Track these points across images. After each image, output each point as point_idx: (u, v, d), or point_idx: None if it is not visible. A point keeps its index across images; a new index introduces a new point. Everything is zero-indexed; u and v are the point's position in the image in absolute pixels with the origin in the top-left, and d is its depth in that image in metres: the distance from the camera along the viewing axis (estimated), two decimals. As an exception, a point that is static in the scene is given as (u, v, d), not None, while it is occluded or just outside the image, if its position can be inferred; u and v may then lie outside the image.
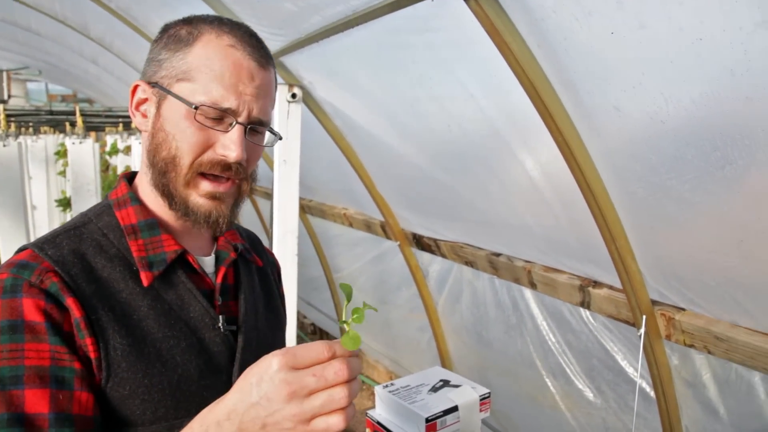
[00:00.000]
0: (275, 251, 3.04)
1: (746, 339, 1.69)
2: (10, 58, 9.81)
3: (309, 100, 2.99)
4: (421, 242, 3.20)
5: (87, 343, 0.82)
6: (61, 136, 5.19)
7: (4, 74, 10.92)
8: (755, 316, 1.64)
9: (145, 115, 0.93)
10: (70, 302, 0.82)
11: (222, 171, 0.90)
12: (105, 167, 5.03)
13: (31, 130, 5.12)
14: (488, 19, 1.48)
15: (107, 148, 4.61)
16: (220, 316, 0.96)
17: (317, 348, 0.74)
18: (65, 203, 3.63)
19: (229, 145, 0.89)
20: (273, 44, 2.78)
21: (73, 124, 3.76)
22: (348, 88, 2.63)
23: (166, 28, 0.93)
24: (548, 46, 1.43)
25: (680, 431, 2.08)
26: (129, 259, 0.91)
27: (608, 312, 2.14)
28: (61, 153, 3.65)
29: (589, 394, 2.45)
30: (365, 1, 1.82)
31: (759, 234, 1.33)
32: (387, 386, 2.32)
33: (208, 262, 1.00)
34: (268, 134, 0.97)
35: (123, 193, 0.97)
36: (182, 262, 0.95)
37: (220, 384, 0.93)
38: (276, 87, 0.99)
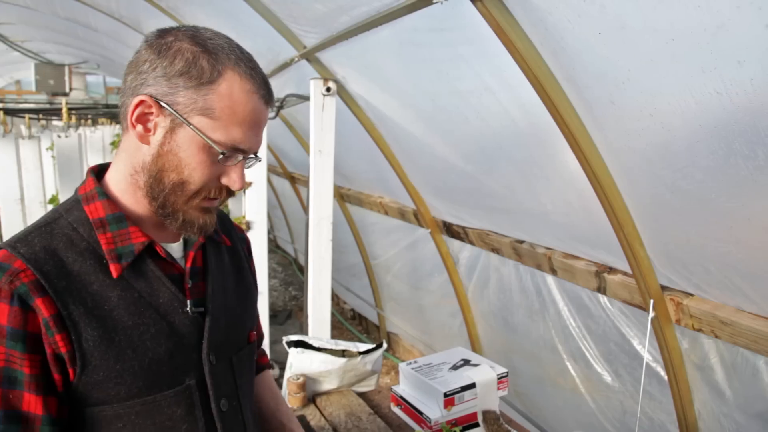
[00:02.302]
0: (311, 236, 3.21)
1: (749, 323, 1.76)
2: (72, 53, 10.33)
3: (343, 93, 3.13)
4: (450, 230, 3.31)
5: (56, 339, 0.88)
6: (117, 127, 5.50)
7: (66, 68, 11.50)
8: (756, 302, 1.70)
9: (148, 131, 0.94)
10: (38, 302, 0.87)
11: (219, 195, 0.99)
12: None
13: (90, 121, 5.45)
14: (494, 18, 1.58)
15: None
16: (188, 300, 1.02)
17: None
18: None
19: (236, 180, 0.97)
20: (308, 40, 2.94)
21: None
22: (377, 82, 2.77)
23: (176, 47, 0.93)
24: (549, 44, 1.53)
25: (693, 414, 2.14)
26: (99, 251, 0.95)
27: (622, 297, 2.22)
28: (116, 143, 3.92)
29: (608, 378, 2.53)
30: (386, 2, 1.95)
31: (745, 221, 1.40)
32: (410, 363, 2.48)
33: (176, 249, 1.06)
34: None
35: (91, 188, 0.99)
36: (150, 251, 0.99)
37: (191, 362, 1.01)
38: None
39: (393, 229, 4.17)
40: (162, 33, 0.94)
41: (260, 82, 0.95)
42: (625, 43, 1.28)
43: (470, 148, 2.47)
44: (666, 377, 2.16)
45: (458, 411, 2.08)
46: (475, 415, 2.12)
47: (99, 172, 1.03)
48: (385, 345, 2.63)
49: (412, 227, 3.79)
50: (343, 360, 2.47)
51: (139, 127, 0.94)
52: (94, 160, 4.97)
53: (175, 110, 0.92)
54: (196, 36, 0.94)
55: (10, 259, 0.88)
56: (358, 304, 5.56)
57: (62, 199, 3.42)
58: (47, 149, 3.85)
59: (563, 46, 1.47)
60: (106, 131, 5.49)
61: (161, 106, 0.92)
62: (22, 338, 0.86)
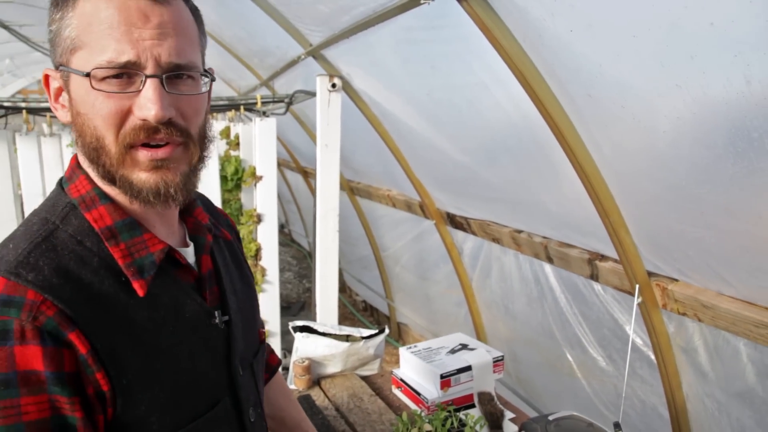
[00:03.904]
0: (318, 227, 3.33)
1: (728, 306, 1.83)
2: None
3: (349, 89, 3.24)
4: (454, 221, 3.41)
5: (98, 378, 0.75)
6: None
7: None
8: (734, 285, 1.78)
9: (64, 105, 0.82)
10: (72, 337, 0.73)
11: (149, 136, 0.78)
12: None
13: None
14: (479, 16, 1.68)
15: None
16: (216, 312, 0.92)
17: None
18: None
19: (145, 104, 0.76)
20: (314, 38, 3.05)
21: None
22: (379, 79, 2.87)
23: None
24: (531, 40, 1.62)
25: (681, 396, 2.22)
26: (114, 267, 0.80)
27: (613, 284, 2.30)
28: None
29: (602, 363, 2.61)
30: (380, 3, 2.05)
31: (714, 206, 1.48)
32: (410, 348, 2.59)
33: (188, 253, 0.93)
34: (205, 79, 0.84)
35: (87, 189, 0.84)
36: (168, 259, 0.86)
37: (223, 378, 0.92)
38: (197, 21, 0.85)
39: (400, 221, 4.27)
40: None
41: None
42: (594, 39, 1.37)
43: (467, 141, 2.56)
44: (655, 360, 2.24)
45: (455, 392, 2.18)
46: (471, 396, 2.22)
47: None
48: (387, 330, 2.74)
49: (418, 219, 3.89)
50: (346, 344, 2.59)
51: (59, 108, 0.84)
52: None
53: (60, 65, 0.79)
54: None
55: (19, 290, 0.72)
56: (369, 295, 5.67)
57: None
58: (68, 146, 4.00)
59: (543, 42, 1.57)
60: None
61: (57, 72, 0.82)
62: (64, 380, 0.72)
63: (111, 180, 0.81)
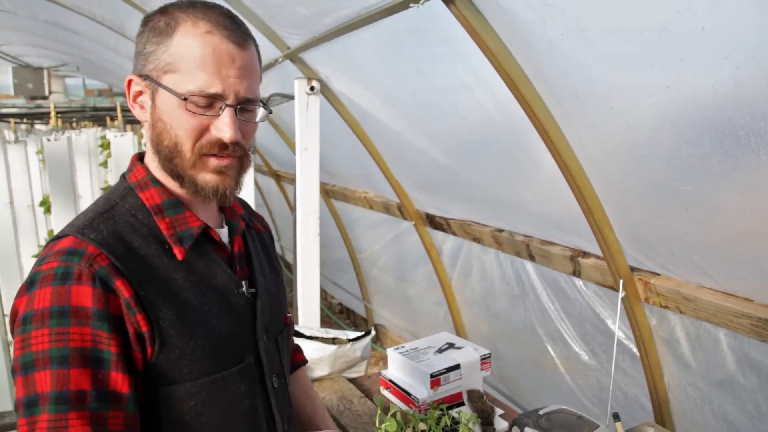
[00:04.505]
0: (299, 231, 3.32)
1: (709, 298, 1.90)
2: (51, 56, 10.31)
3: (327, 92, 3.24)
4: (433, 221, 3.44)
5: (138, 319, 0.90)
6: (100, 129, 5.55)
7: (45, 71, 11.46)
8: (714, 278, 1.84)
9: (142, 107, 1.00)
10: (118, 284, 0.89)
11: (221, 150, 0.98)
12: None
13: (74, 124, 5.50)
14: (467, 20, 1.70)
15: (143, 140, 4.95)
16: (243, 282, 1.07)
17: None
18: (110, 191, 3.98)
19: (223, 128, 0.95)
20: (292, 41, 3.04)
21: (113, 119, 4.09)
22: (359, 81, 2.88)
23: (146, 20, 0.98)
24: (518, 43, 1.65)
25: (663, 386, 2.29)
26: (159, 236, 0.98)
27: (596, 279, 2.36)
28: (105, 145, 3.99)
29: (585, 357, 2.68)
30: (366, 6, 2.07)
31: (698, 202, 1.54)
32: (398, 348, 2.61)
33: (223, 233, 1.10)
34: (261, 109, 1.03)
35: (143, 176, 1.03)
36: (204, 235, 1.03)
37: (248, 341, 1.07)
38: (260, 63, 1.03)
39: (378, 223, 4.28)
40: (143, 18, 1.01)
41: (218, 22, 0.95)
42: (585, 42, 1.41)
43: (450, 142, 2.59)
44: (638, 353, 2.31)
45: (444, 391, 2.21)
46: (460, 394, 2.25)
47: (141, 160, 1.07)
48: (373, 332, 2.76)
49: (397, 220, 3.91)
50: (333, 347, 2.59)
51: (137, 107, 1.00)
52: (81, 162, 5.01)
53: (148, 77, 0.96)
54: (165, 6, 0.98)
55: (82, 244, 0.91)
56: (345, 298, 5.67)
57: (54, 202, 3.49)
58: (36, 153, 3.91)
59: (531, 45, 1.60)
60: (89, 134, 5.54)
61: (143, 81, 0.97)
62: (107, 319, 0.88)
63: (178, 176, 1.00)
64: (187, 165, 0.98)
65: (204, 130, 0.97)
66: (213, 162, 0.99)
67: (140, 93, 0.99)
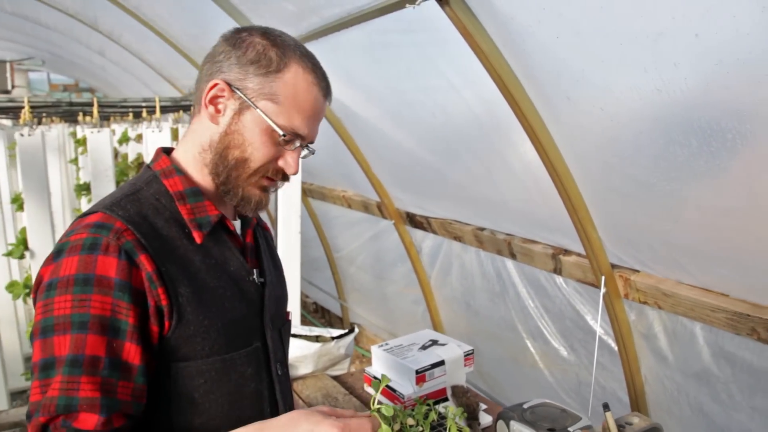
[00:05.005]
0: (280, 229, 3.32)
1: (687, 294, 1.98)
2: (15, 49, 10.04)
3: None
4: (414, 220, 3.48)
5: (159, 292, 0.95)
6: (67, 125, 5.43)
7: (8, 65, 11.14)
8: (693, 274, 1.92)
9: (219, 111, 1.05)
10: (142, 258, 0.94)
11: (279, 177, 1.09)
12: (114, 155, 5.27)
13: (44, 120, 5.38)
14: (461, 22, 1.75)
15: (117, 137, 4.86)
16: (254, 270, 1.14)
17: (365, 423, 0.95)
18: (85, 188, 3.90)
19: (291, 164, 1.07)
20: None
21: (88, 114, 4.02)
22: (344, 80, 2.90)
23: (249, 40, 1.04)
24: (511, 45, 1.70)
25: (640, 380, 2.37)
26: (180, 220, 1.04)
27: (576, 276, 2.43)
28: (81, 141, 3.92)
29: (564, 353, 2.75)
30: (358, 5, 2.09)
31: (683, 201, 1.61)
32: (382, 345, 2.64)
33: (236, 225, 1.16)
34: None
35: (167, 165, 1.09)
36: (220, 224, 1.10)
37: (256, 326, 1.12)
38: None
39: (356, 221, 4.30)
40: (237, 30, 1.07)
41: (321, 77, 1.06)
42: (579, 46, 1.46)
43: (435, 141, 2.64)
44: (616, 348, 2.38)
45: (429, 387, 2.24)
46: (444, 390, 2.29)
47: (167, 152, 1.14)
48: (356, 330, 2.78)
49: (376, 219, 3.94)
50: (317, 345, 2.60)
51: (211, 108, 1.05)
52: (52, 158, 4.92)
53: (244, 94, 1.03)
54: (267, 32, 1.06)
55: (111, 219, 0.96)
56: (320, 297, 5.67)
57: (27, 199, 3.41)
58: (7, 148, 3.82)
59: (524, 47, 1.65)
60: (59, 130, 5.44)
61: (232, 90, 1.03)
62: (129, 290, 0.92)
63: (226, 182, 1.07)
64: (243, 179, 1.06)
65: (274, 158, 1.06)
66: (265, 183, 1.08)
67: (219, 98, 1.05)
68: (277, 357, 1.17)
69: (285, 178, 1.09)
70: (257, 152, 1.04)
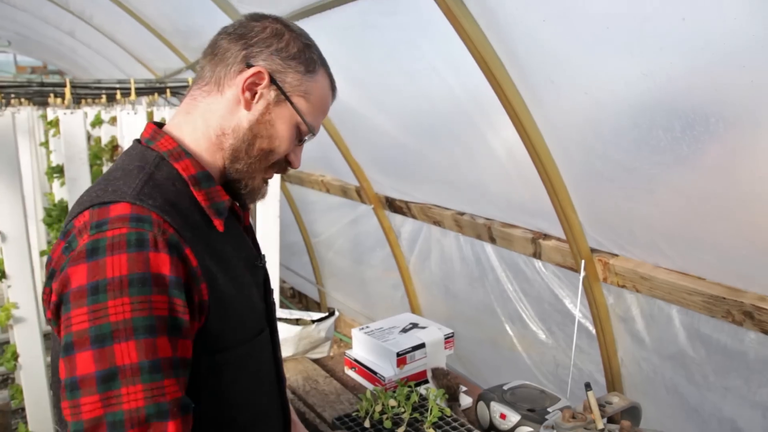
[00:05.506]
0: (259, 214, 3.30)
1: (665, 277, 2.01)
2: (-21, 29, 9.75)
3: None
4: (393, 205, 3.47)
5: (202, 288, 0.92)
6: (41, 108, 5.30)
7: (-28, 46, 10.80)
8: (671, 257, 1.96)
9: (253, 98, 1.04)
10: (187, 252, 0.90)
11: (282, 171, 1.13)
12: (87, 138, 5.16)
13: (13, 101, 5.23)
14: (445, 3, 1.73)
15: (90, 120, 4.75)
16: (263, 255, 1.17)
17: None
18: (58, 171, 3.81)
19: (298, 157, 1.11)
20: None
21: (59, 96, 3.92)
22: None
23: (288, 34, 1.04)
24: (496, 28, 1.70)
25: (617, 362, 2.41)
26: (199, 207, 1.00)
27: (556, 260, 2.45)
28: (53, 123, 3.82)
29: (542, 336, 2.78)
30: (340, -14, 2.07)
31: (665, 186, 1.63)
32: (363, 329, 2.64)
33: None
34: None
35: (173, 146, 1.03)
36: (230, 210, 1.08)
37: (263, 310, 1.12)
38: None
39: (334, 206, 4.28)
40: (267, 17, 1.06)
41: (333, 80, 1.11)
42: (566, 28, 1.47)
43: (416, 124, 2.63)
44: (594, 331, 2.42)
45: (410, 369, 2.26)
46: (424, 372, 2.31)
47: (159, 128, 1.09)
48: (337, 313, 2.78)
49: (354, 204, 3.93)
50: (298, 328, 2.60)
51: (248, 94, 1.03)
52: (22, 141, 4.80)
53: (282, 87, 1.03)
54: (301, 30, 1.08)
55: (144, 211, 0.89)
56: (297, 282, 5.65)
57: (-2, 183, 3.32)
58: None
59: (509, 30, 1.65)
60: (29, 112, 5.31)
61: (272, 80, 1.02)
62: (182, 287, 0.88)
63: (240, 170, 1.04)
64: (261, 169, 1.06)
65: (289, 152, 1.10)
66: (271, 174, 1.11)
67: (259, 85, 1.03)
68: (276, 340, 1.18)
69: (285, 171, 1.12)
70: (283, 145, 1.05)
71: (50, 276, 0.90)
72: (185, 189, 0.99)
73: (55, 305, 0.87)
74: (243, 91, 1.02)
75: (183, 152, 1.02)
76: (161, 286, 0.85)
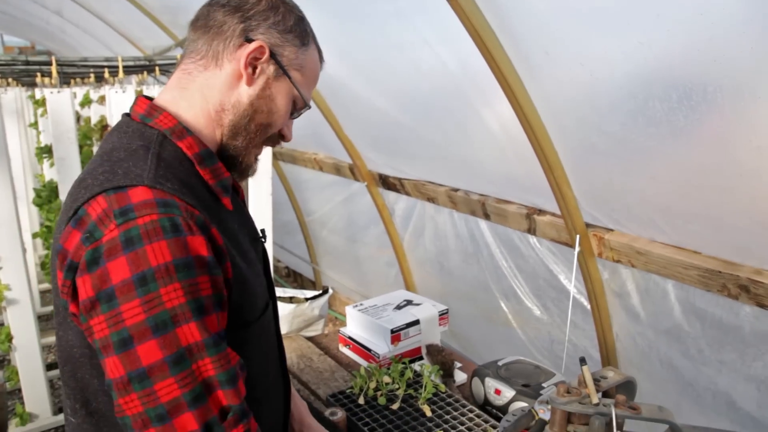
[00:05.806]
0: (251, 193, 3.26)
1: (660, 252, 2.00)
2: (-35, 8, 9.57)
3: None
4: (386, 182, 3.44)
5: (227, 266, 0.93)
6: (29, 89, 5.23)
7: (-42, 25, 10.62)
8: (667, 232, 1.94)
9: (254, 73, 1.02)
10: (213, 232, 0.91)
11: (274, 144, 1.13)
12: (76, 118, 5.11)
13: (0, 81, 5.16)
14: (438, -26, 1.69)
15: (78, 100, 4.69)
16: (263, 229, 1.19)
17: None
18: (47, 150, 3.77)
19: (290, 131, 1.11)
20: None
21: (46, 75, 3.85)
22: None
23: (282, 6, 1.03)
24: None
25: (612, 337, 2.41)
26: (206, 185, 1.00)
27: (551, 236, 2.44)
28: (41, 102, 3.76)
29: (537, 312, 2.77)
30: (329, -44, 2.01)
31: (661, 158, 1.60)
32: (357, 306, 2.62)
33: None
34: None
35: (174, 124, 1.00)
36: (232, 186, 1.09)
37: (265, 284, 1.12)
38: None
39: (328, 184, 4.25)
40: None
41: (322, 55, 1.12)
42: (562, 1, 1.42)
43: (409, 100, 2.59)
44: (589, 306, 2.41)
45: (404, 346, 2.26)
46: (419, 349, 2.31)
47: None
48: (330, 291, 2.76)
49: (348, 182, 3.90)
50: (291, 306, 2.59)
51: (249, 69, 1.01)
52: (10, 122, 4.73)
53: (280, 61, 1.02)
54: (293, 3, 1.06)
55: (166, 195, 0.88)
56: (292, 261, 5.64)
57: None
58: (-39, 109, 3.64)
59: (503, 2, 1.60)
60: (17, 92, 5.23)
61: (272, 54, 1.01)
62: (217, 265, 0.90)
63: (237, 146, 1.03)
64: (257, 144, 1.06)
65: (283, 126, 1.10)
66: (262, 149, 1.10)
67: (260, 59, 1.01)
68: (277, 314, 1.21)
69: (277, 144, 1.12)
70: (279, 120, 1.05)
71: (69, 268, 0.87)
72: (191, 168, 0.98)
73: (90, 302, 0.84)
74: (246, 67, 1.00)
75: (185, 130, 1.00)
76: (203, 267, 0.87)
